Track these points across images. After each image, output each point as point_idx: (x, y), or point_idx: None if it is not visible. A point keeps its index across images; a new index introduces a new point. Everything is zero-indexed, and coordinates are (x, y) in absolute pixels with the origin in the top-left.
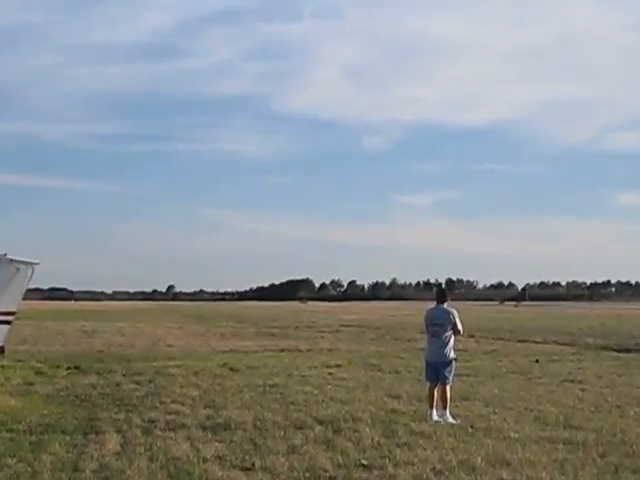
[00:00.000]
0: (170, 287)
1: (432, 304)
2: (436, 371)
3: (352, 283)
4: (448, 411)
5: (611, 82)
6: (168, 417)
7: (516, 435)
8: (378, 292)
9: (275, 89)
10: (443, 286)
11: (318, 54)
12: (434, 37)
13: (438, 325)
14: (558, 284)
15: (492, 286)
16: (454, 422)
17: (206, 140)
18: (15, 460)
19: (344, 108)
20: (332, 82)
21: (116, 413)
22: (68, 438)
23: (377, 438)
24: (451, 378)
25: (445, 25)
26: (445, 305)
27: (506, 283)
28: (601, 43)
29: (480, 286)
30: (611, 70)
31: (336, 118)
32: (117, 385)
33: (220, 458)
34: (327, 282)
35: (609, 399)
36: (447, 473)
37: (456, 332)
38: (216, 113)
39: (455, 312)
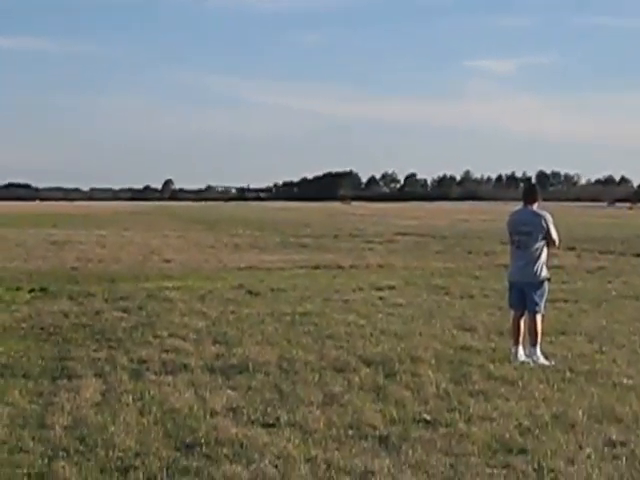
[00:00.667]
0: (167, 183)
1: (517, 206)
2: (522, 295)
3: (411, 177)
4: (539, 349)
5: None
6: (164, 356)
7: (629, 382)
8: (445, 189)
9: None
10: (533, 182)
11: None
12: None
13: (525, 234)
14: None
15: (599, 182)
16: (546, 363)
17: None
18: None
19: None
20: None
21: (95, 351)
22: (32, 384)
23: (444, 384)
24: (543, 305)
25: None
26: (535, 207)
27: (617, 178)
28: None
29: (583, 181)
30: None
31: None
32: (97, 313)
33: (234, 410)
34: (377, 176)
35: None
36: (537, 431)
37: (550, 243)
38: None
39: (548, 216)
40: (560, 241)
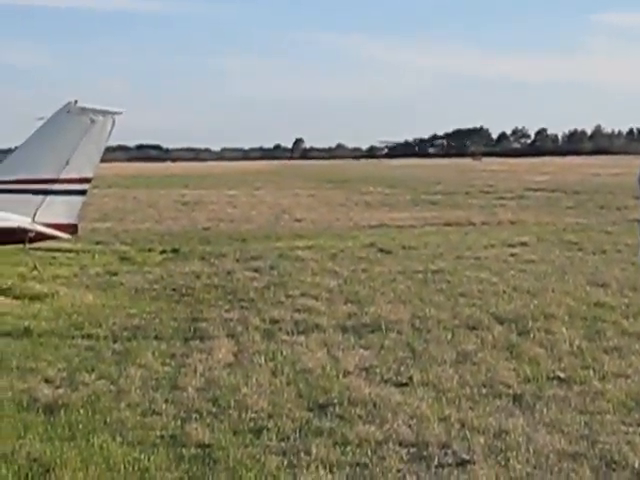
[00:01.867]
0: (298, 141)
1: None
2: None
3: (541, 133)
4: None
5: None
6: (296, 316)
7: None
8: (577, 144)
9: None
10: None
11: None
12: None
13: None
14: None
15: None
16: None
17: None
18: (94, 376)
19: None
20: None
21: (227, 311)
22: (164, 346)
23: (577, 342)
24: None
25: None
26: None
27: None
28: None
29: None
30: None
31: None
32: (228, 274)
33: (366, 370)
34: (508, 132)
35: None
36: None
37: None
38: None
39: None
40: None
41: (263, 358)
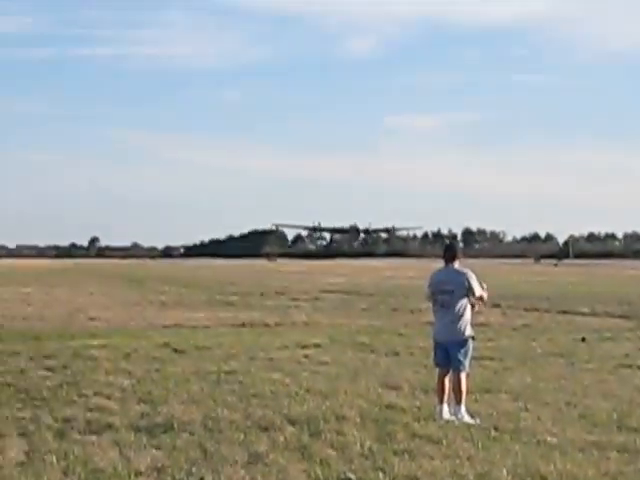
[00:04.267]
0: (93, 240)
1: (442, 264)
2: (447, 354)
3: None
4: (463, 407)
5: None
6: (89, 415)
7: (554, 440)
8: (372, 246)
9: None
10: (458, 239)
11: None
12: None
13: (448, 293)
14: (612, 236)
15: (524, 239)
16: (471, 422)
17: (130, 42)
18: None
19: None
20: None
21: (19, 410)
22: None
23: (368, 443)
24: (467, 363)
25: None
26: (456, 265)
27: (543, 235)
28: None
29: (509, 239)
30: None
31: (308, 13)
32: (21, 372)
33: (158, 470)
34: (303, 233)
35: None
36: None
37: (475, 299)
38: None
39: (470, 273)
40: (487, 296)
41: (55, 457)
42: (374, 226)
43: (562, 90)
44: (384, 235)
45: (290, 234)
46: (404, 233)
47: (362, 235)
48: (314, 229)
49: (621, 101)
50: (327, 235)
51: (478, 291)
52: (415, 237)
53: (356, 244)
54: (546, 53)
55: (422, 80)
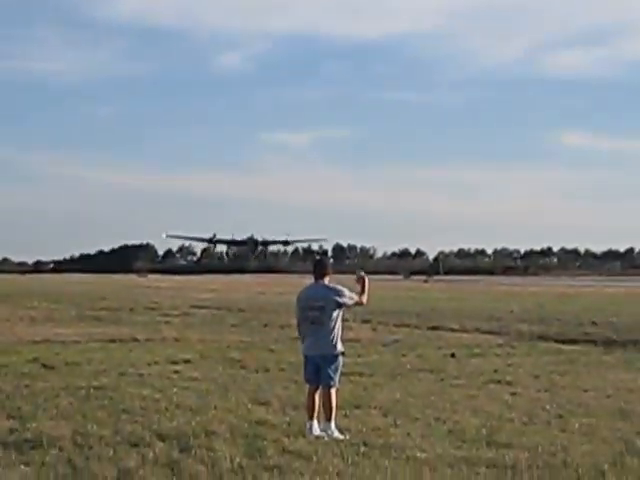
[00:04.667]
0: None
1: (312, 280)
2: (317, 369)
3: (207, 250)
4: (333, 423)
5: None
6: None
7: (423, 455)
8: (242, 262)
9: None
10: (329, 254)
11: None
12: None
13: (318, 309)
14: (482, 252)
15: (395, 255)
16: (341, 437)
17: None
18: None
19: (189, 14)
20: None
21: None
22: None
23: (238, 459)
24: (337, 379)
25: None
26: (326, 281)
27: (413, 251)
28: None
29: (379, 254)
30: None
31: (179, 28)
32: None
33: None
34: (174, 248)
35: (547, 407)
36: None
37: (358, 303)
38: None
39: (340, 288)
40: (365, 298)
41: None
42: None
43: (431, 107)
44: (282, 247)
45: (176, 245)
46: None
47: (260, 247)
48: (210, 240)
49: (489, 119)
50: (224, 247)
51: (354, 298)
52: (286, 253)
53: (227, 260)
54: (415, 70)
55: (294, 96)
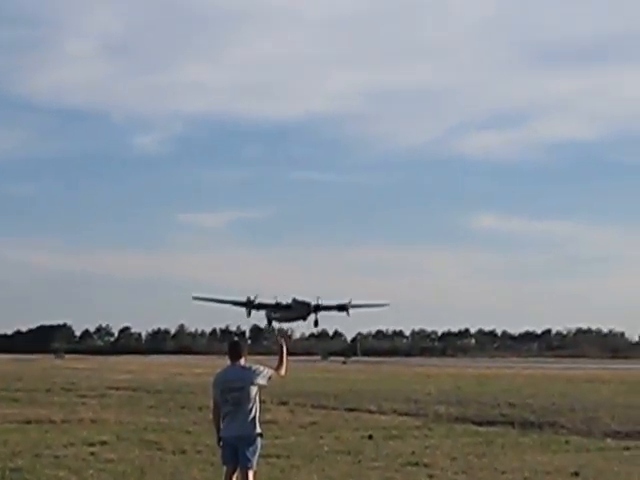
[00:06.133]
0: None
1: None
2: (235, 451)
3: (125, 331)
4: None
5: (463, 65)
6: None
7: None
8: (160, 343)
9: (13, 66)
10: (247, 335)
11: (69, 20)
12: (225, 0)
13: (237, 390)
14: (400, 333)
15: (313, 335)
16: None
17: None
18: None
19: (105, 95)
20: (89, 60)
21: None
22: None
23: None
24: (255, 461)
25: None
26: (242, 362)
27: (331, 332)
28: (446, 12)
29: (297, 335)
30: (463, 50)
31: (95, 108)
32: None
33: None
34: (92, 329)
35: None
36: None
37: (277, 376)
38: None
39: (257, 366)
40: (284, 370)
41: None
42: (163, 325)
43: (348, 188)
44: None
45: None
46: (193, 330)
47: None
48: (247, 304)
49: (404, 200)
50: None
51: (268, 379)
52: (204, 334)
53: (144, 341)
54: (332, 151)
55: (210, 177)
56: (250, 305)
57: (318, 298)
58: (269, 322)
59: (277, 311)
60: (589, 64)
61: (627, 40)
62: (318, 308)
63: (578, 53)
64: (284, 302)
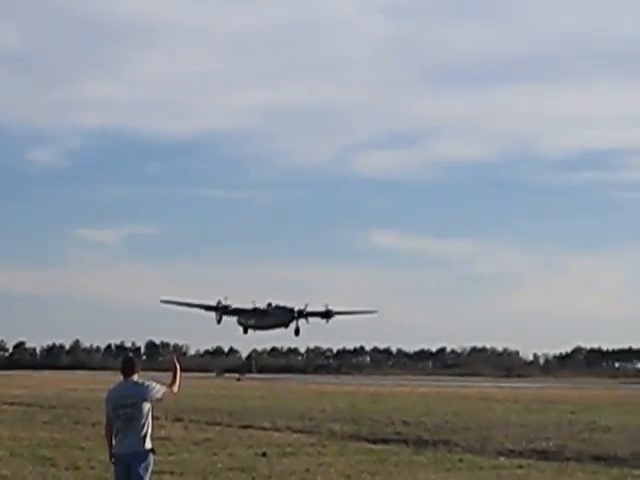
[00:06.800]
0: None
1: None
2: (127, 469)
3: (19, 346)
4: None
5: (366, 84)
6: None
7: None
8: (54, 358)
9: None
10: (141, 351)
11: None
12: (126, 15)
13: (130, 406)
14: (295, 351)
15: (207, 352)
16: None
17: None
18: None
19: (2, 109)
20: None
21: None
22: None
23: None
24: (148, 477)
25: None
26: (136, 378)
27: (226, 349)
28: (348, 31)
29: (192, 352)
30: (366, 68)
31: None
32: None
33: None
34: None
35: None
36: None
37: (169, 393)
38: None
39: (149, 382)
40: (177, 387)
41: None
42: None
43: (245, 205)
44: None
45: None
46: (88, 345)
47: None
48: (217, 308)
49: (302, 218)
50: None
51: (161, 394)
52: (99, 349)
53: (39, 356)
54: (228, 169)
55: (107, 192)
56: (221, 310)
57: (306, 305)
58: (244, 330)
59: (252, 317)
60: (489, 84)
61: (528, 61)
62: (302, 314)
63: (479, 73)
64: (262, 307)
